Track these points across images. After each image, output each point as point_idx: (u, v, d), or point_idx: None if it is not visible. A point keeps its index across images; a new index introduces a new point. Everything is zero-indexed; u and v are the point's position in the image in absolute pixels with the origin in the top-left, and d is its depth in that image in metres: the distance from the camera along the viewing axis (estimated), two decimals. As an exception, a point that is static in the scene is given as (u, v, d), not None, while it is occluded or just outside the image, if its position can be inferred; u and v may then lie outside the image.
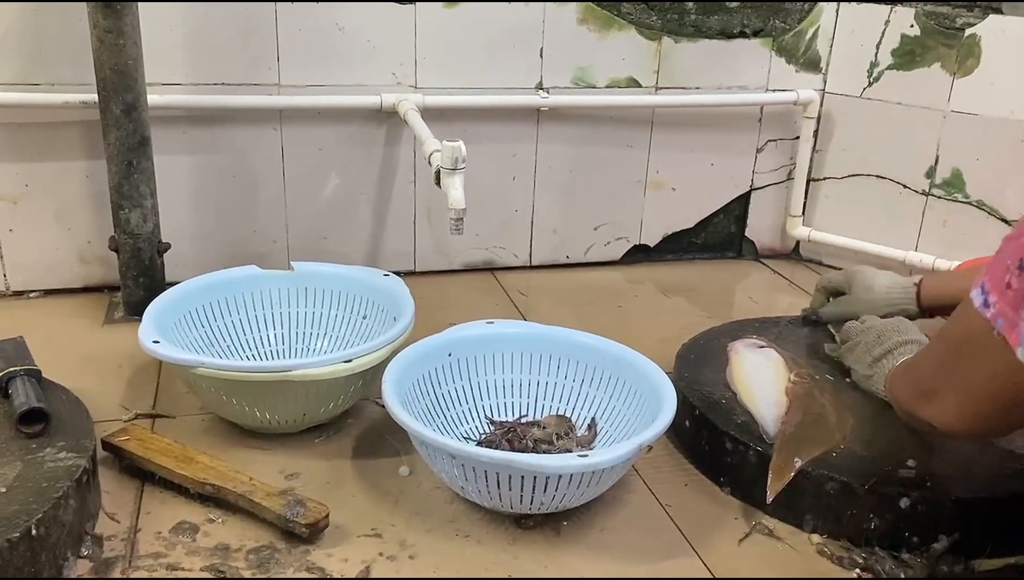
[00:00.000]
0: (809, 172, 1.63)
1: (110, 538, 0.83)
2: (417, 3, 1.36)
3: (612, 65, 1.49)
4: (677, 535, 0.89)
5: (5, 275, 1.34)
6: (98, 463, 0.88)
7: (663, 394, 0.92)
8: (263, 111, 1.35)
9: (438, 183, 1.12)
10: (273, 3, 1.30)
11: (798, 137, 1.61)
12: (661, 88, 1.52)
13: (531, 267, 1.58)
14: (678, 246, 1.66)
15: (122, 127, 1.20)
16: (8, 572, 0.71)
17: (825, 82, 1.59)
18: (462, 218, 1.08)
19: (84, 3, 1.13)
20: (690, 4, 1.49)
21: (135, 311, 1.27)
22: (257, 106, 1.33)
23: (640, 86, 1.51)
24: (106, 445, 0.93)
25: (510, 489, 0.83)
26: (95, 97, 1.20)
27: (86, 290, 1.38)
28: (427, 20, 1.38)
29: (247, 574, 0.79)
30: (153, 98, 1.24)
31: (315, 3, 1.31)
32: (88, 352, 1.19)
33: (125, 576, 0.78)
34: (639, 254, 1.64)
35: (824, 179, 1.63)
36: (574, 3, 1.43)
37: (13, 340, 1.02)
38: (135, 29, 1.16)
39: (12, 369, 0.93)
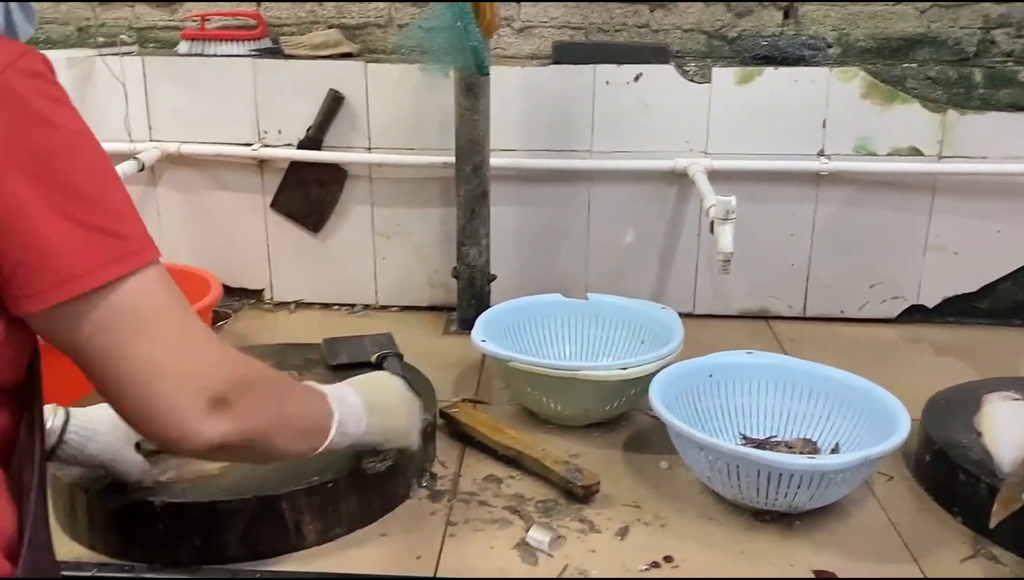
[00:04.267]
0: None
1: (441, 478, 1.13)
2: (713, 82, 1.58)
3: (894, 135, 1.59)
4: (900, 547, 1.00)
5: (377, 292, 1.76)
6: (436, 425, 1.19)
7: (899, 425, 1.04)
8: (577, 172, 1.64)
9: (712, 231, 1.32)
10: (592, 92, 1.59)
11: (1100, 207, 1.58)
12: (944, 157, 1.59)
13: (804, 318, 1.71)
14: (959, 309, 1.69)
15: (470, 182, 1.55)
16: (376, 483, 1.03)
17: None
18: (729, 261, 1.27)
19: (453, 88, 1.50)
20: (978, 79, 1.56)
21: (466, 326, 1.60)
22: (573, 168, 1.63)
23: (922, 154, 1.60)
24: (442, 414, 1.23)
25: (748, 483, 1.00)
26: (452, 159, 1.56)
27: (431, 308, 1.75)
28: (720, 96, 1.59)
29: (535, 516, 1.04)
30: (494, 160, 1.58)
31: (628, 85, 1.59)
32: (430, 353, 1.52)
33: (451, 503, 1.07)
34: (916, 314, 1.69)
35: None
36: (858, 80, 1.57)
37: (386, 334, 1.38)
38: (487, 108, 1.51)
39: (386, 351, 1.28)
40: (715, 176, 1.56)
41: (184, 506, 0.93)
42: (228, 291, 1.67)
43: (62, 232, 0.61)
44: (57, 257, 0.61)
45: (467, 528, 1.02)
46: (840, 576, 0.93)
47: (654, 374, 1.17)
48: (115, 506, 0.94)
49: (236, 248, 1.73)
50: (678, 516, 1.05)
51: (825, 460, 0.95)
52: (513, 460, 1.15)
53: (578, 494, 1.06)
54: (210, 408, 0.68)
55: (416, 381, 1.22)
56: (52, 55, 0.68)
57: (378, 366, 1.26)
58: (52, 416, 0.89)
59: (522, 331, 1.40)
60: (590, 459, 1.17)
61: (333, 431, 0.86)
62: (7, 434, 0.68)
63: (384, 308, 1.76)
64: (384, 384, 1.00)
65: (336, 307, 1.76)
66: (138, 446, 0.94)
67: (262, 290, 1.77)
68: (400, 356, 1.29)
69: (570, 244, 1.69)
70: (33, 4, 0.71)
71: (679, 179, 1.64)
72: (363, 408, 0.92)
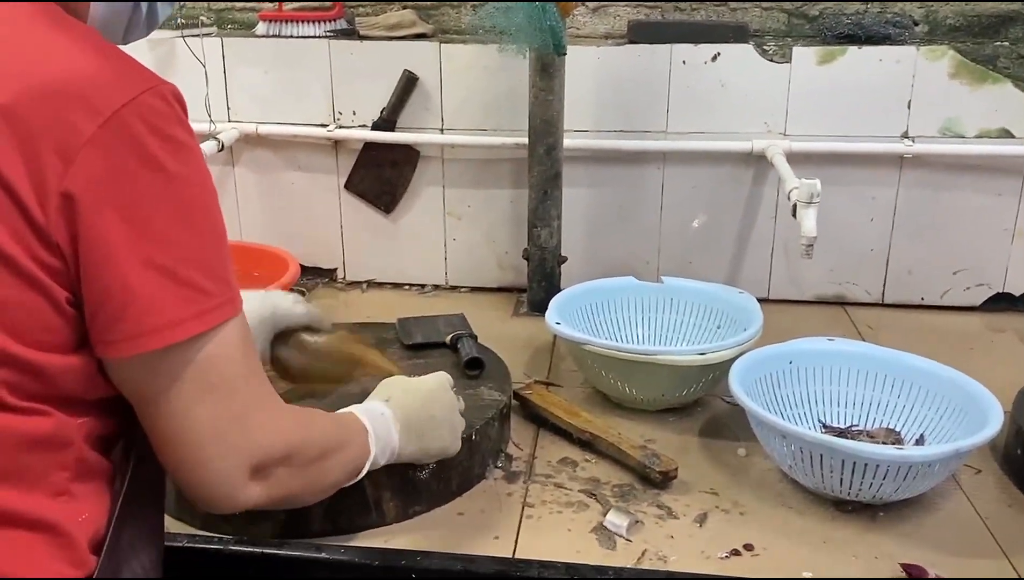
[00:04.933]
0: None
1: (516, 459, 1.13)
2: (793, 62, 1.55)
3: (983, 116, 1.53)
4: (991, 542, 0.97)
5: (447, 273, 1.77)
6: (511, 406, 1.19)
7: (990, 416, 1.01)
8: (651, 153, 1.62)
9: (794, 215, 1.29)
10: (667, 72, 1.57)
11: None
12: (1037, 139, 1.53)
13: (883, 305, 1.67)
14: (1048, 298, 1.63)
15: (543, 164, 1.54)
16: (454, 462, 1.03)
17: None
18: (812, 245, 1.24)
19: (527, 68, 1.49)
20: (1076, 56, 1.49)
21: (536, 308, 1.60)
22: (647, 149, 1.61)
23: (1013, 136, 1.54)
24: (516, 395, 1.24)
25: (831, 472, 0.98)
26: (525, 140, 1.56)
27: (500, 290, 1.75)
28: (801, 76, 1.55)
29: (612, 500, 1.04)
30: (567, 141, 1.56)
31: (705, 65, 1.56)
32: (500, 334, 1.52)
33: (527, 485, 1.07)
34: (1001, 302, 1.64)
35: None
36: (947, 59, 1.51)
37: (459, 315, 1.39)
38: (561, 88, 1.50)
39: (459, 332, 1.29)
40: (793, 158, 1.52)
41: (269, 481, 0.95)
42: (302, 270, 1.70)
43: (146, 282, 0.61)
44: (137, 307, 0.61)
45: (543, 510, 1.03)
46: (929, 570, 0.91)
47: (732, 360, 1.15)
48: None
49: (311, 228, 1.76)
50: (757, 504, 1.04)
51: (915, 451, 0.93)
52: (588, 443, 1.14)
53: (655, 479, 1.06)
54: (249, 477, 0.69)
55: (491, 362, 1.23)
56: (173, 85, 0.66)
57: (452, 347, 1.27)
58: None
59: (595, 314, 1.39)
60: (665, 444, 1.16)
61: (366, 469, 0.88)
62: (113, 434, 0.70)
63: (454, 288, 1.77)
64: (423, 398, 0.96)
65: (407, 287, 1.78)
66: None
67: (335, 269, 1.79)
68: (474, 337, 1.29)
69: (642, 227, 1.68)
70: None
71: (756, 161, 1.61)
72: (399, 433, 0.92)
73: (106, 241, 0.59)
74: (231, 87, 1.69)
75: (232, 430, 0.67)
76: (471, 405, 1.11)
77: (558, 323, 1.25)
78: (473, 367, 1.19)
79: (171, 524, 0.99)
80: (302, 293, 1.72)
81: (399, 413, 0.93)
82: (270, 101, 1.69)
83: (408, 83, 1.63)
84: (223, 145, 1.62)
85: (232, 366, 0.66)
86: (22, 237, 0.58)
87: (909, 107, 1.55)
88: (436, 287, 1.77)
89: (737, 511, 1.03)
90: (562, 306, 1.33)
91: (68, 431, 0.65)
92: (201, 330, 0.63)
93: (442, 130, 1.67)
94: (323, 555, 0.92)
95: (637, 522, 0.99)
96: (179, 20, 1.72)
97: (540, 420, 1.21)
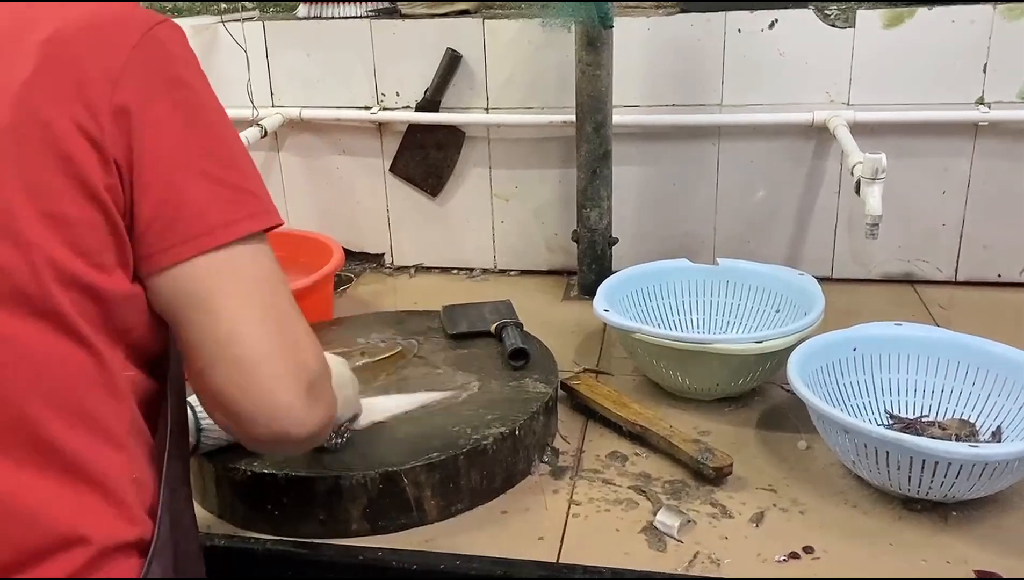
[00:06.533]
0: None
1: (563, 453, 1.09)
2: (857, 26, 1.45)
3: (1068, 78, 1.42)
4: (1077, 546, 0.89)
5: (495, 256, 1.73)
6: (557, 397, 1.15)
7: (1077, 409, 0.93)
8: (705, 128, 1.55)
9: (858, 192, 1.21)
10: (722, 41, 1.49)
11: None
12: None
13: (955, 283, 1.57)
14: None
15: (591, 142, 1.48)
16: (497, 458, 1.00)
17: None
18: (877, 224, 1.16)
19: (574, 42, 1.43)
20: None
21: (586, 292, 1.55)
22: (701, 124, 1.54)
23: (1101, 99, 1.42)
24: (563, 385, 1.19)
25: (899, 469, 0.92)
26: (572, 117, 1.50)
27: (549, 273, 1.71)
28: (865, 41, 1.46)
29: (663, 498, 0.99)
30: (616, 117, 1.50)
31: (762, 33, 1.48)
32: (549, 319, 1.48)
33: (574, 481, 1.03)
34: (1087, 279, 1.53)
35: None
36: (1027, 16, 1.40)
37: (505, 301, 1.35)
38: (609, 62, 1.43)
39: (505, 321, 1.24)
40: (858, 129, 1.44)
41: (308, 480, 0.93)
42: (349, 256, 1.68)
43: (199, 186, 0.63)
44: (191, 210, 0.63)
45: (591, 508, 0.98)
46: (1006, 577, 0.84)
47: (792, 347, 1.09)
48: (240, 478, 0.95)
49: (356, 213, 1.74)
50: (818, 502, 0.98)
51: (991, 449, 0.86)
52: (638, 436, 1.10)
53: (709, 475, 1.01)
54: (308, 394, 0.66)
55: (536, 351, 1.19)
56: (178, 23, 0.70)
57: (497, 336, 1.23)
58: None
59: (646, 298, 1.33)
60: (720, 436, 1.11)
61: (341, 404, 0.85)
62: (153, 403, 0.69)
63: (502, 272, 1.73)
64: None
65: (455, 271, 1.74)
66: None
67: (382, 254, 1.77)
68: (519, 325, 1.25)
69: (696, 205, 1.61)
70: None
71: (817, 133, 1.52)
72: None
73: (159, 148, 0.62)
74: (274, 71, 1.67)
75: (285, 339, 0.65)
76: (515, 398, 1.07)
77: (606, 310, 1.20)
78: (517, 358, 1.15)
79: (210, 522, 0.98)
80: (349, 279, 1.71)
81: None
82: (313, 84, 1.66)
83: (451, 62, 1.59)
84: (266, 131, 1.60)
85: (278, 274, 0.67)
86: (86, 154, 0.60)
87: (985, 71, 1.44)
88: (485, 271, 1.73)
89: (796, 509, 0.97)
90: (611, 291, 1.28)
91: (124, 382, 0.65)
92: (255, 229, 0.65)
93: (487, 109, 1.62)
94: (360, 558, 0.89)
95: (689, 522, 0.94)
96: (221, 5, 1.70)
97: (588, 411, 1.17)
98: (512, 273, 1.73)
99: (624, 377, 1.28)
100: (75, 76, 0.61)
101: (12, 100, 0.60)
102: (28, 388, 0.59)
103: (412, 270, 1.75)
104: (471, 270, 1.74)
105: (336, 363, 0.91)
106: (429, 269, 1.75)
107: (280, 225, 0.68)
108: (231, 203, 0.64)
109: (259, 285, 0.65)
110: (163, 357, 0.71)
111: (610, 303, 1.23)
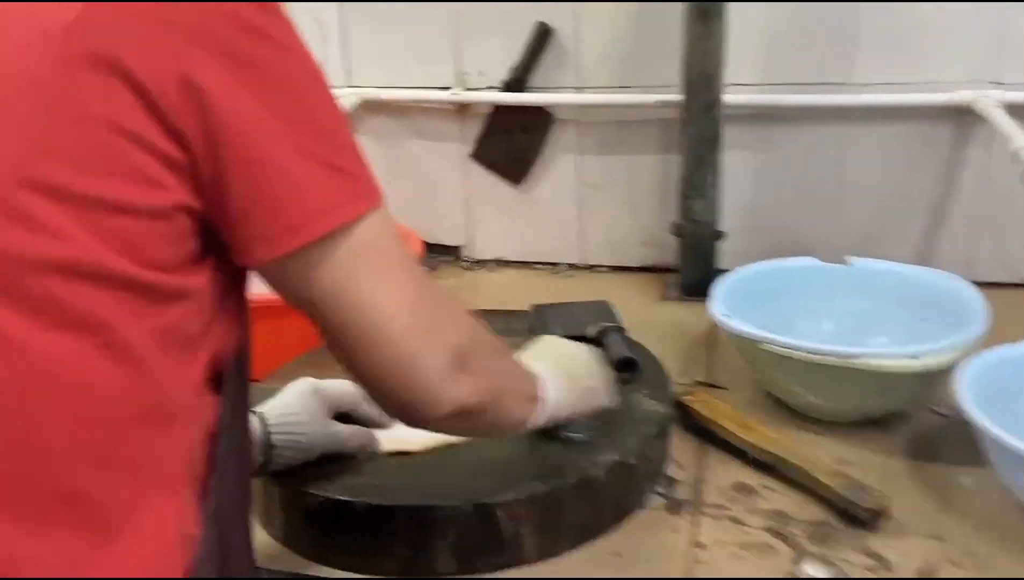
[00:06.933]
0: None
1: (680, 484, 0.94)
2: (1011, -8, 1.26)
3: None
4: None
5: (583, 250, 1.58)
6: (670, 418, 0.99)
7: None
8: (829, 110, 1.37)
9: (1030, 182, 1.03)
10: (852, 11, 1.31)
11: None
12: None
13: (1122, 291, 1.37)
14: None
15: (699, 124, 1.32)
16: (606, 492, 0.85)
17: None
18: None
19: (680, 12, 1.27)
20: None
21: (688, 292, 1.39)
22: (824, 105, 1.36)
23: None
24: (676, 403, 1.04)
25: (1111, 522, 0.74)
26: (676, 97, 1.34)
27: (642, 269, 1.55)
28: (1021, 8, 1.27)
29: (806, 543, 0.83)
30: (726, 98, 1.34)
31: (904, 2, 1.29)
32: (646, 322, 1.31)
33: (696, 518, 0.88)
34: None
35: None
36: None
37: (601, 302, 1.20)
38: (722, 34, 1.27)
39: (605, 325, 1.09)
40: (1013, 111, 1.24)
41: (388, 509, 0.80)
42: (426, 248, 1.55)
43: (298, 169, 0.55)
44: (293, 196, 0.55)
45: (719, 553, 0.83)
46: None
47: (953, 364, 0.92)
48: (312, 503, 0.82)
49: (434, 202, 1.60)
50: (1002, 555, 0.81)
51: None
52: (767, 466, 0.94)
53: (861, 518, 0.84)
54: (454, 368, 0.61)
55: (644, 362, 1.04)
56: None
57: (597, 342, 1.07)
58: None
59: (766, 302, 1.16)
60: (864, 468, 0.94)
61: (542, 396, 0.76)
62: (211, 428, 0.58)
63: (591, 268, 1.58)
64: (562, 348, 0.88)
65: (538, 266, 1.60)
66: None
67: (460, 247, 1.63)
68: (621, 330, 1.10)
69: (817, 197, 1.43)
70: None
71: (958, 115, 1.33)
72: (550, 372, 0.78)
73: (248, 130, 0.53)
74: (350, 49, 1.54)
75: (423, 312, 0.60)
76: (624, 418, 0.92)
77: (727, 315, 1.04)
78: (625, 369, 1.00)
79: (274, 551, 0.85)
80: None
81: (538, 356, 0.82)
82: (390, 62, 1.53)
83: (541, 36, 1.44)
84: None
85: (401, 248, 0.60)
86: (141, 123, 0.51)
87: None
88: (571, 266, 1.58)
89: (972, 563, 0.80)
90: (729, 292, 1.12)
91: (182, 407, 0.56)
92: (362, 212, 0.57)
93: (578, 89, 1.47)
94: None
95: (842, 576, 0.78)
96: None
97: (705, 433, 1.01)
98: (601, 269, 1.57)
99: (739, 391, 1.12)
100: (142, 37, 0.51)
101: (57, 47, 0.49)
102: (47, 416, 0.47)
103: (492, 264, 1.62)
104: (555, 265, 1.59)
105: (575, 349, 0.87)
106: (510, 263, 1.61)
107: (384, 203, 0.60)
108: (335, 185, 0.57)
109: (383, 261, 0.59)
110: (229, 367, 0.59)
111: (728, 307, 1.07)
